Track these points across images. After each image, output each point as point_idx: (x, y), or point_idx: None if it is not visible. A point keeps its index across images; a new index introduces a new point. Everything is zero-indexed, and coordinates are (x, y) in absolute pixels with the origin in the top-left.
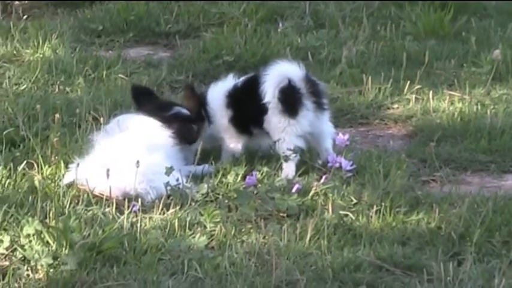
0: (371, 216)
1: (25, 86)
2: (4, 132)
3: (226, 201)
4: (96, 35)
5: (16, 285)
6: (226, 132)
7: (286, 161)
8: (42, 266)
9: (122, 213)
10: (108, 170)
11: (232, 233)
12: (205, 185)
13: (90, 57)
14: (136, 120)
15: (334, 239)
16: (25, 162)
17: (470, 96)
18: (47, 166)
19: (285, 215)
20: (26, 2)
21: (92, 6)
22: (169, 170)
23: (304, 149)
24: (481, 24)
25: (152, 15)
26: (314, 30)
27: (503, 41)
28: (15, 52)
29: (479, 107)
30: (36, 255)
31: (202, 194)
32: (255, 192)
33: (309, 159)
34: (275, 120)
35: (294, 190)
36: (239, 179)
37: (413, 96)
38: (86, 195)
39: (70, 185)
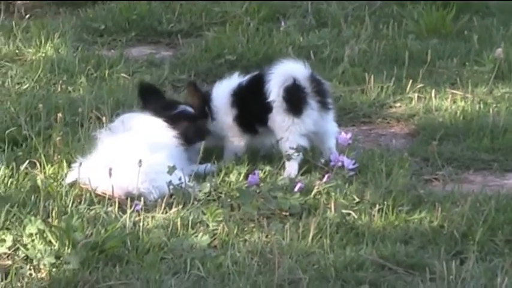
0: (373, 215)
1: (27, 85)
2: (6, 132)
3: (229, 200)
4: (99, 34)
5: (19, 284)
6: (230, 130)
7: (289, 160)
8: (44, 265)
9: (124, 212)
10: (110, 169)
11: (235, 232)
12: (208, 184)
13: (92, 56)
14: (139, 120)
15: (336, 238)
16: (27, 161)
17: (473, 94)
18: (49, 165)
19: (287, 214)
20: (28, 1)
21: (94, 6)
22: (171, 169)
23: (307, 148)
24: (483, 22)
25: (154, 14)
26: (316, 29)
27: (506, 40)
28: (17, 51)
29: (481, 106)
30: (39, 255)
31: (205, 193)
32: (258, 191)
33: (311, 158)
34: (279, 119)
35: (296, 189)
36: (241, 178)
37: (416, 95)
38: (88, 195)
39: (72, 184)
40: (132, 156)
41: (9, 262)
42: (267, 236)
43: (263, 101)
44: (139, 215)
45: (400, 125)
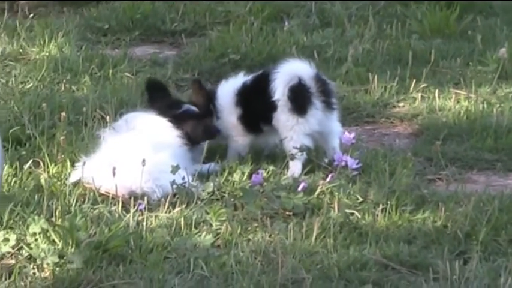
0: (377, 215)
1: (31, 84)
2: (10, 131)
3: (232, 199)
4: (102, 33)
5: (22, 283)
6: (234, 130)
7: (292, 159)
8: (48, 264)
9: (128, 211)
10: (114, 169)
11: (238, 231)
12: (211, 184)
13: (96, 55)
14: (143, 119)
15: (340, 238)
16: (31, 160)
17: (476, 94)
18: (53, 164)
19: (291, 213)
20: (32, 0)
21: (97, 5)
22: (175, 169)
23: (311, 148)
24: (487, 22)
25: (158, 13)
26: (320, 28)
27: (509, 40)
28: (21, 50)
29: (485, 106)
30: (42, 254)
31: (208, 193)
32: (261, 190)
33: (315, 158)
34: (283, 118)
35: (300, 188)
36: (245, 177)
37: (419, 94)
38: (92, 194)
39: (76, 184)
40: (136, 155)
41: (13, 261)
42: (270, 236)
43: (268, 99)
44: (142, 214)
45: (404, 125)
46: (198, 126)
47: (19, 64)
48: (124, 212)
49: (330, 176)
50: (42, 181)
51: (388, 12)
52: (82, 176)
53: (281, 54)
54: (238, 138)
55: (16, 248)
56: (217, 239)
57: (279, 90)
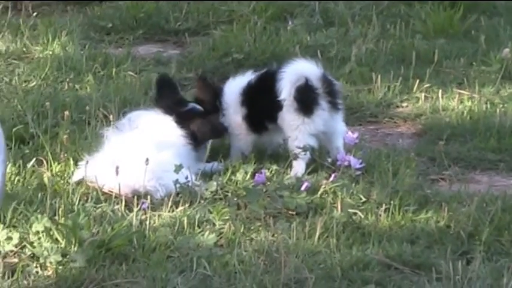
0: (380, 215)
1: (34, 83)
2: (13, 129)
3: (235, 199)
4: (106, 32)
5: (25, 282)
6: (238, 128)
7: (295, 159)
8: (51, 263)
9: (131, 210)
10: (117, 168)
11: (241, 230)
12: (215, 183)
13: (99, 54)
14: (147, 118)
15: (343, 237)
16: (34, 159)
17: (480, 95)
18: (56, 163)
19: (294, 213)
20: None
21: (101, 4)
22: (178, 168)
23: (315, 148)
24: (490, 22)
25: (162, 12)
26: (323, 28)
27: None
28: (24, 49)
29: (488, 106)
30: (45, 252)
31: (212, 192)
32: (264, 190)
33: (318, 157)
34: (289, 118)
35: (303, 188)
36: (248, 176)
37: (423, 94)
38: (95, 193)
39: (79, 182)
40: (139, 154)
41: (16, 260)
42: (273, 235)
43: (273, 98)
44: (145, 214)
45: (407, 125)
46: (205, 125)
47: (22, 63)
48: (127, 211)
49: (333, 175)
50: (46, 180)
51: (391, 12)
52: (85, 174)
53: (284, 54)
54: (242, 137)
55: (19, 247)
56: (220, 238)
57: (286, 90)
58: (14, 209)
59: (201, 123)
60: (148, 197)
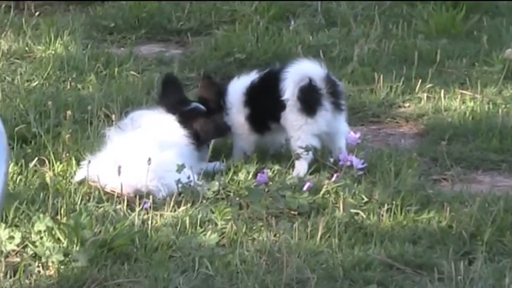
0: (382, 215)
1: (37, 82)
2: (16, 129)
3: (238, 198)
4: (108, 32)
5: (27, 281)
6: (241, 128)
7: (297, 159)
8: (53, 262)
9: (133, 210)
10: (119, 167)
11: (243, 230)
12: (217, 183)
13: (102, 54)
14: (149, 117)
15: (345, 238)
16: (36, 158)
17: (482, 95)
18: (58, 163)
19: (296, 213)
20: None
21: (103, 3)
22: (180, 168)
23: (318, 148)
24: (493, 23)
25: (164, 12)
26: (326, 28)
27: None
28: (27, 49)
29: (490, 106)
30: (47, 252)
31: (214, 192)
32: (266, 190)
33: (320, 157)
34: (292, 118)
35: (305, 188)
36: (250, 176)
37: (425, 94)
38: (97, 192)
39: (81, 182)
40: (141, 154)
41: (18, 259)
42: (275, 235)
43: (277, 98)
44: (147, 213)
45: (409, 125)
46: (208, 124)
47: (25, 62)
48: (129, 211)
49: (335, 175)
50: (48, 179)
51: (394, 12)
52: (87, 174)
53: (287, 54)
54: (244, 137)
55: (21, 246)
56: (222, 238)
57: (289, 90)
58: (16, 208)
59: (204, 123)
60: (151, 196)
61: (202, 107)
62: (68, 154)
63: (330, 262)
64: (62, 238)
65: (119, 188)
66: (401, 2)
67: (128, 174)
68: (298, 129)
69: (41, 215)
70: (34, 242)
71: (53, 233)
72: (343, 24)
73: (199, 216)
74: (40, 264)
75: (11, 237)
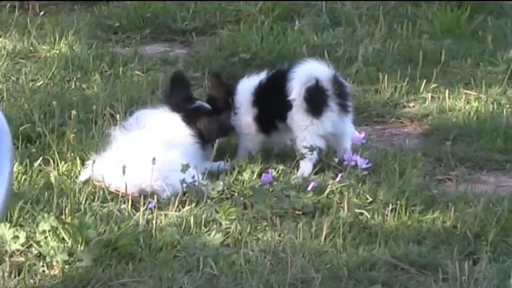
0: (386, 215)
1: (41, 82)
2: (20, 128)
3: (242, 198)
4: (113, 31)
5: (32, 281)
6: (248, 128)
7: (302, 159)
8: (57, 262)
9: (137, 210)
10: (124, 167)
11: (248, 230)
12: (221, 183)
13: (106, 53)
14: (154, 117)
15: (349, 237)
16: (41, 158)
17: (487, 95)
18: (63, 162)
19: (300, 213)
20: None
21: (108, 3)
22: (185, 167)
23: (322, 149)
24: (497, 23)
25: (169, 12)
26: (330, 28)
27: None
28: (31, 48)
29: (495, 106)
30: (52, 252)
31: (218, 192)
32: (271, 190)
33: (325, 157)
34: (298, 118)
35: (309, 188)
36: (255, 176)
37: (430, 95)
38: (101, 192)
39: (86, 182)
40: (146, 153)
41: (22, 259)
42: (279, 235)
43: (283, 98)
44: (152, 213)
45: (414, 125)
46: (212, 123)
47: (29, 62)
48: (134, 211)
49: (339, 175)
50: (52, 179)
51: (398, 12)
52: (92, 174)
53: (291, 54)
54: (251, 136)
55: (26, 246)
56: (227, 238)
57: (296, 90)
58: (21, 208)
59: (208, 122)
60: (155, 196)
61: (207, 105)
62: (72, 154)
63: (334, 262)
64: (66, 238)
65: (124, 187)
66: (406, 2)
67: (133, 174)
68: (304, 130)
69: (46, 215)
70: (39, 241)
71: (58, 232)
72: (348, 24)
73: (203, 216)
74: (45, 264)
75: (16, 237)
